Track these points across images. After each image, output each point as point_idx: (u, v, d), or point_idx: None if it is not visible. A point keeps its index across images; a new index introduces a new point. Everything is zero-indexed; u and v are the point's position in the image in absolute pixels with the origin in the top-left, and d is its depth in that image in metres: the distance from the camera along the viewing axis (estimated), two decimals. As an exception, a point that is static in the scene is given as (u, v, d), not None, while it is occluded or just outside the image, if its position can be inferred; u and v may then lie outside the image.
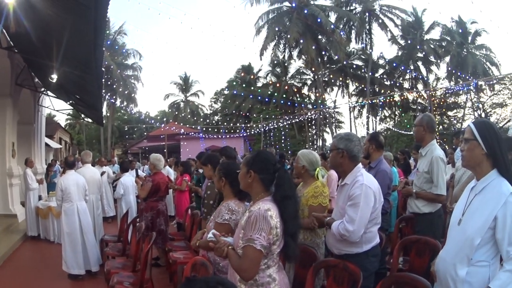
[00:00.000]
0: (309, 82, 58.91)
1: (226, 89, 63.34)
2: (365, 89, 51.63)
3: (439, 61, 53.02)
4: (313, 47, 45.85)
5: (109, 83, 47.91)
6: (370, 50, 51.99)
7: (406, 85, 56.63)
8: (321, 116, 50.39)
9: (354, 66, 56.60)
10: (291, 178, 3.48)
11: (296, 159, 5.31)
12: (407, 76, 56.26)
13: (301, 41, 46.03)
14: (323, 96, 52.48)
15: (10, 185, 14.01)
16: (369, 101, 45.51)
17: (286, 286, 3.35)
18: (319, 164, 5.23)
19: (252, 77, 56.99)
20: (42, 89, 16.23)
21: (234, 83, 60.16)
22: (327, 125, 54.77)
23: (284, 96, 50.65)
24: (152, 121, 56.37)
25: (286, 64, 56.73)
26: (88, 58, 8.59)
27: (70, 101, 17.02)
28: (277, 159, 3.50)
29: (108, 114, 57.42)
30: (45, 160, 20.67)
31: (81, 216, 8.75)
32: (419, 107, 51.57)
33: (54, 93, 15.90)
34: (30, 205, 12.54)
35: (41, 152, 18.93)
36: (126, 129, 66.27)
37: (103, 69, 9.80)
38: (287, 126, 45.87)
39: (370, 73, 50.84)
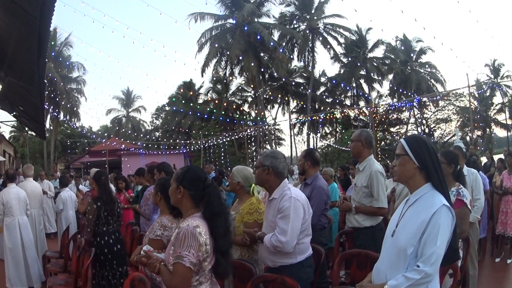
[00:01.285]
0: (249, 99, 59.01)
1: (167, 105, 63.03)
2: (305, 106, 52.05)
3: (381, 78, 53.74)
4: (253, 65, 45.82)
5: (52, 95, 46.87)
6: (312, 68, 52.39)
7: (348, 102, 57.08)
8: (261, 133, 50.56)
9: (295, 83, 56.90)
10: (221, 195, 3.65)
11: (231, 176, 5.32)
12: (349, 94, 56.79)
13: (241, 57, 46.10)
14: (263, 113, 52.69)
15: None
16: (310, 118, 45.89)
17: None
18: (253, 180, 5.22)
19: (192, 93, 56.80)
20: (-14, 99, 15.83)
21: (174, 99, 59.85)
22: (267, 142, 54.97)
23: (223, 113, 50.66)
24: (94, 136, 55.49)
25: (226, 81, 56.60)
26: (31, 68, 8.47)
27: (14, 113, 16.56)
28: (207, 175, 3.51)
29: (52, 128, 56.23)
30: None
31: (23, 231, 8.54)
32: (360, 124, 51.99)
33: (-2, 103, 15.50)
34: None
35: (-16, 164, 18.48)
36: (68, 143, 65.08)
37: (46, 81, 9.60)
38: (227, 143, 45.92)
39: (311, 91, 51.15)
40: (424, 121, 52.75)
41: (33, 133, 24.55)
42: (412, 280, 2.74)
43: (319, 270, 4.84)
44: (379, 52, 54.31)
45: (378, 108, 46.23)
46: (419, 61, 52.98)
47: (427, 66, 52.73)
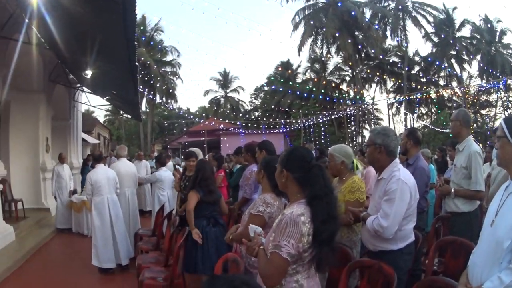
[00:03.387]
0: (347, 78, 58.57)
1: (265, 85, 63.29)
2: (402, 85, 51.36)
3: (471, 57, 52.28)
4: (350, 42, 45.64)
5: (146, 79, 48.10)
6: (406, 46, 51.78)
7: (441, 82, 56.15)
8: (359, 113, 49.92)
9: (391, 62, 56.19)
10: (327, 176, 3.19)
11: (331, 157, 5.12)
12: (442, 73, 55.88)
13: (337, 34, 45.74)
14: (362, 92, 52.24)
15: (43, 179, 14.29)
16: (406, 98, 44.96)
17: None
18: (353, 155, 5.26)
19: (290, 72, 56.85)
20: (77, 85, 16.26)
21: (273, 78, 60.03)
22: (366, 122, 54.27)
23: (323, 92, 50.44)
24: (192, 117, 56.49)
25: (324, 60, 56.24)
26: (121, 53, 8.54)
27: (107, 97, 17.03)
28: (314, 155, 3.30)
29: (148, 110, 57.79)
30: (81, 155, 20.83)
31: (112, 209, 8.80)
32: (454, 105, 50.94)
33: (90, 88, 16.08)
34: (59, 199, 12.84)
35: (77, 147, 19.14)
36: (166, 124, 66.59)
37: (137, 64, 9.68)
38: (326, 122, 45.61)
39: (408, 69, 50.42)
40: (510, 105, 50.60)
41: (129, 116, 25.29)
42: (507, 282, 2.50)
43: (414, 257, 4.48)
44: (466, 32, 53.11)
45: (469, 89, 44.88)
46: (502, 42, 51.47)
47: (509, 48, 51.22)
